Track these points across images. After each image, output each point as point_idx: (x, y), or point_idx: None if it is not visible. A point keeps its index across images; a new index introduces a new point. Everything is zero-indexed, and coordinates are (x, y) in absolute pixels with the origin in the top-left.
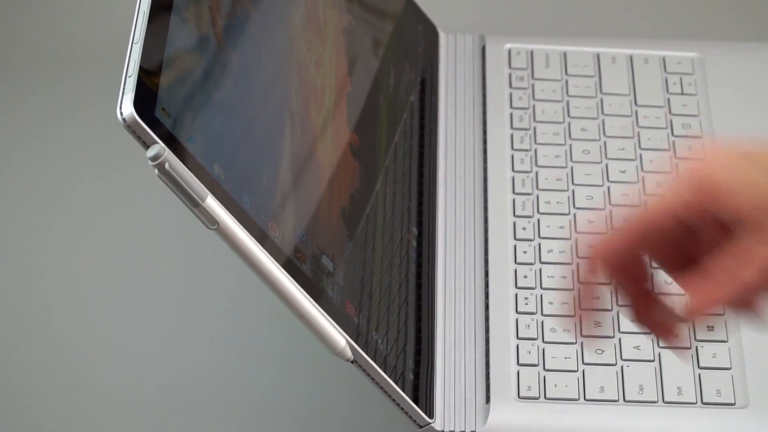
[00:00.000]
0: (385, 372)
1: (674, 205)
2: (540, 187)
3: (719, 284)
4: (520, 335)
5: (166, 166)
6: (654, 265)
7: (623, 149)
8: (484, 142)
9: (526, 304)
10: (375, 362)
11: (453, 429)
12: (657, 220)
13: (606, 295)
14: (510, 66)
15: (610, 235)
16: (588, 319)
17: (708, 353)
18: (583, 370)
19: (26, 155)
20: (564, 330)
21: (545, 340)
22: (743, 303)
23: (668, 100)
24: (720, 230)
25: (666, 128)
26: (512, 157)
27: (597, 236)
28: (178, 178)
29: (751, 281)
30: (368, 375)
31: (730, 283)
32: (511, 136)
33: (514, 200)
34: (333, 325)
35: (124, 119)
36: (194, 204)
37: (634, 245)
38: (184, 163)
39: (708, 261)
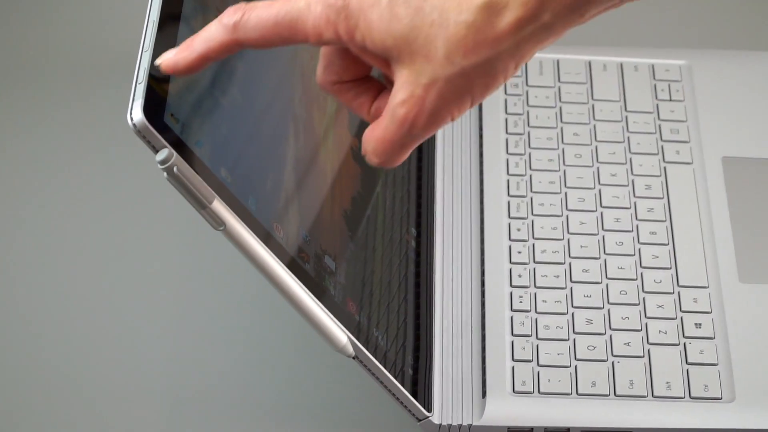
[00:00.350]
0: (385, 367)
1: (322, 37)
2: (534, 189)
3: (382, 123)
4: (514, 332)
5: (175, 169)
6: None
7: (614, 153)
8: (480, 146)
9: (521, 302)
10: (375, 358)
11: (450, 422)
12: (298, 30)
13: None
14: None
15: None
16: None
17: (696, 350)
18: (576, 366)
19: (40, 159)
20: (557, 327)
21: (539, 336)
22: (407, 141)
23: (657, 106)
24: (382, 63)
25: (655, 133)
26: (507, 160)
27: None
28: (186, 182)
29: (411, 119)
30: (369, 370)
31: (390, 121)
32: (506, 140)
33: (509, 202)
34: (335, 322)
35: (134, 124)
36: (201, 206)
37: (273, 31)
38: (191, 167)
39: (378, 96)
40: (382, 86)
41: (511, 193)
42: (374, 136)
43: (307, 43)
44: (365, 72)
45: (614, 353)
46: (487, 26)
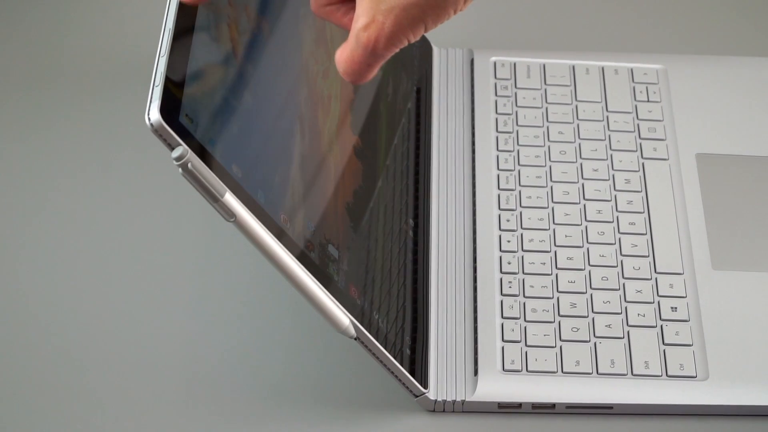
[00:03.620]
0: (384, 347)
1: None
2: (522, 183)
3: (349, 45)
4: (504, 315)
5: (189, 165)
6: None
7: (595, 150)
8: (473, 143)
9: (510, 287)
10: (376, 339)
11: (445, 398)
12: None
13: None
14: (495, 76)
15: None
16: None
17: (672, 331)
18: (561, 346)
19: (62, 158)
20: (544, 310)
21: (527, 319)
22: (371, 61)
23: (635, 106)
24: None
25: (633, 132)
26: (497, 157)
27: None
28: (200, 177)
29: (372, 42)
30: (369, 350)
31: (356, 44)
32: (497, 138)
33: (499, 195)
34: (338, 306)
35: (151, 124)
36: (214, 199)
37: None
38: (205, 163)
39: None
40: None
41: (501, 187)
42: (343, 58)
43: None
44: None
45: (596, 334)
46: None
